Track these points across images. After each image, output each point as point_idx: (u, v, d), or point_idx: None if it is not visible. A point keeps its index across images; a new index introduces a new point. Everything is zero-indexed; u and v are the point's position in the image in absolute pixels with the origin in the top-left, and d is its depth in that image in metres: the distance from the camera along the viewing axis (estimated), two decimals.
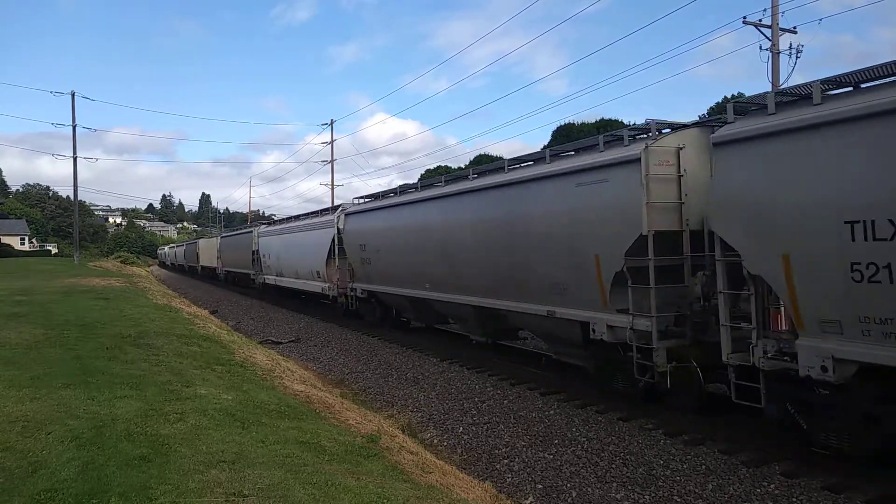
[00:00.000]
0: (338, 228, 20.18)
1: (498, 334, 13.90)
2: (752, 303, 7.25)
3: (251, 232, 33.11)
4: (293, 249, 25.26)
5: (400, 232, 15.88)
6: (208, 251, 48.54)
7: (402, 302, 16.89)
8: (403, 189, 17.04)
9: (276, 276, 28.38)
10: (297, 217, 27.29)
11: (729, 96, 39.49)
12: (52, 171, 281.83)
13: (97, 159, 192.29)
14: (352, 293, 19.66)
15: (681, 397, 8.75)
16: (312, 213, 25.04)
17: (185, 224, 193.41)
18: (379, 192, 18.88)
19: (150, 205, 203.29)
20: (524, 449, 8.15)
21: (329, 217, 21.56)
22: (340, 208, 21.04)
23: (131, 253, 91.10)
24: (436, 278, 14.31)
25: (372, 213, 18.08)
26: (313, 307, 25.41)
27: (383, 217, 17.19)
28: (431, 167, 58.41)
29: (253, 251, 31.99)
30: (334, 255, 20.59)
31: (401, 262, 15.96)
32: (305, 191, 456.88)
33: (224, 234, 45.75)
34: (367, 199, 19.56)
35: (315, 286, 22.99)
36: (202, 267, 51.73)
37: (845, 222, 6.06)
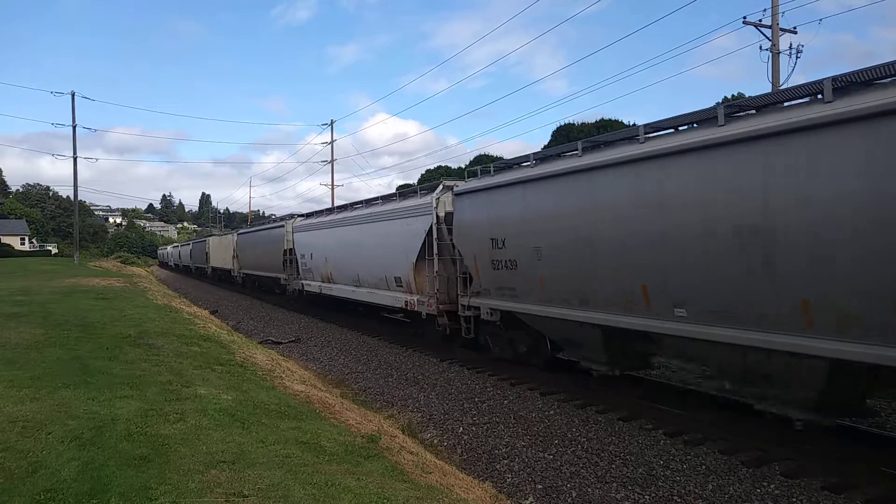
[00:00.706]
0: (437, 216, 14.10)
1: (852, 409, 7.48)
2: None
3: (282, 227, 26.93)
4: (354, 248, 18.97)
5: (598, 216, 9.16)
6: (221, 251, 43.03)
7: (590, 334, 9.88)
8: (592, 143, 9.84)
9: (323, 282, 22.01)
10: (356, 204, 20.51)
11: (729, 96, 39.50)
12: (53, 171, 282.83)
13: (97, 159, 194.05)
14: (468, 312, 13.14)
15: None
16: (386, 196, 18.30)
17: (186, 224, 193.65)
18: (526, 156, 11.55)
19: (150, 205, 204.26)
20: (524, 449, 8.15)
21: (423, 200, 14.93)
22: (441, 187, 14.65)
23: (131, 253, 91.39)
24: (714, 297, 7.46)
25: (519, 187, 11.07)
26: (314, 308, 24.58)
27: (549, 192, 10.31)
28: (432, 167, 58.46)
29: (285, 250, 26.10)
30: (432, 253, 14.36)
31: (601, 264, 9.19)
32: (306, 191, 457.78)
33: (242, 231, 39.21)
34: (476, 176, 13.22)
35: (392, 299, 16.48)
36: (213, 268, 47.27)
37: None
